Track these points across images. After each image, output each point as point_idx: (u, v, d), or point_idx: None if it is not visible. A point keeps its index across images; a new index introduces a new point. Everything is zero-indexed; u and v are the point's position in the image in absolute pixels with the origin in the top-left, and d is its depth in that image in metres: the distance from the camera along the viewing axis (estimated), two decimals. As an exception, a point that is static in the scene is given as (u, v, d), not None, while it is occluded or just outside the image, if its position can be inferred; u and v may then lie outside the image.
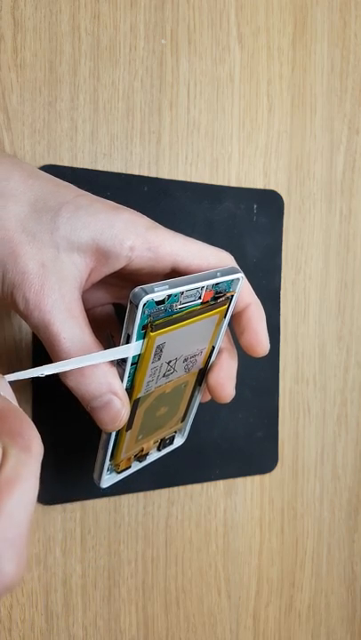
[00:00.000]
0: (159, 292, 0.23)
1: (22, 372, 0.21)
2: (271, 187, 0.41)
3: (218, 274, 0.25)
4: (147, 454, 0.31)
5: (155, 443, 0.31)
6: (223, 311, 0.27)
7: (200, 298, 0.25)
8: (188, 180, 0.38)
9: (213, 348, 0.29)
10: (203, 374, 0.30)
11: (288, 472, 0.43)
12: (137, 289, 0.23)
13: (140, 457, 0.31)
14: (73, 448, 0.35)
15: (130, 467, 0.31)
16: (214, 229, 0.38)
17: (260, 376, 0.41)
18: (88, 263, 0.24)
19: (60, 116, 0.34)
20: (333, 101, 0.43)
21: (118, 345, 0.24)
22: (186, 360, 0.27)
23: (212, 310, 0.26)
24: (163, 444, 0.32)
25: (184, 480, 0.38)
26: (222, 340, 0.29)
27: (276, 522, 0.43)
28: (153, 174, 0.37)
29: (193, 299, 0.25)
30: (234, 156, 0.39)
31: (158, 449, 0.32)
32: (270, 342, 0.41)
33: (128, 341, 0.24)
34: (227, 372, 0.29)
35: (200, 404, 0.32)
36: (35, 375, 0.21)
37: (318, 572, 0.45)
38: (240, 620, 0.42)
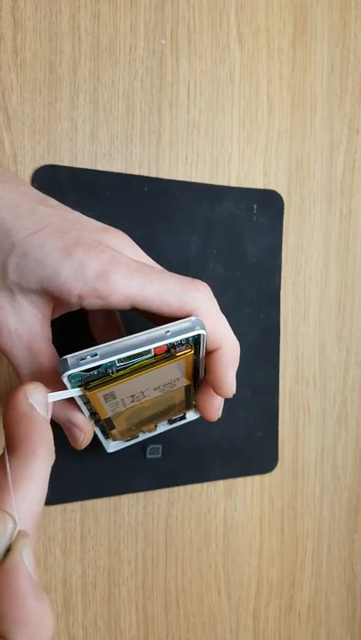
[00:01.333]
0: (84, 366, 0.21)
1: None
2: (271, 187, 0.41)
3: (167, 333, 0.23)
4: (156, 427, 0.32)
5: (162, 422, 0.31)
6: (190, 355, 0.24)
7: (150, 353, 0.23)
8: (188, 180, 0.38)
9: (197, 369, 0.27)
10: (196, 384, 0.28)
11: (288, 472, 0.43)
12: (61, 359, 0.22)
13: (150, 430, 0.31)
14: (73, 448, 0.35)
15: (137, 436, 0.31)
16: (214, 229, 0.38)
17: (260, 376, 0.41)
18: (47, 301, 0.24)
19: (60, 116, 0.34)
20: (333, 101, 0.43)
21: None
22: (158, 387, 0.26)
23: (170, 360, 0.23)
24: (173, 420, 0.32)
25: (184, 480, 0.38)
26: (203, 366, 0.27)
27: (276, 522, 0.43)
28: (153, 174, 0.37)
29: (138, 356, 0.23)
30: (234, 156, 0.39)
31: (170, 423, 0.32)
32: (270, 342, 0.41)
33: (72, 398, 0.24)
34: (210, 402, 0.28)
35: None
36: None
37: (318, 572, 0.45)
38: (240, 619, 0.42)
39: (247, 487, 0.41)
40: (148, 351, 0.23)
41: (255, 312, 0.40)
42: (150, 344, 0.22)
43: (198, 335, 0.23)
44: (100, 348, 0.22)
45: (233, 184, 0.39)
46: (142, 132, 0.36)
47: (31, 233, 0.23)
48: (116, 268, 0.23)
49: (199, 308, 0.24)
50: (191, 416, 0.32)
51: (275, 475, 0.42)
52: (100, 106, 0.35)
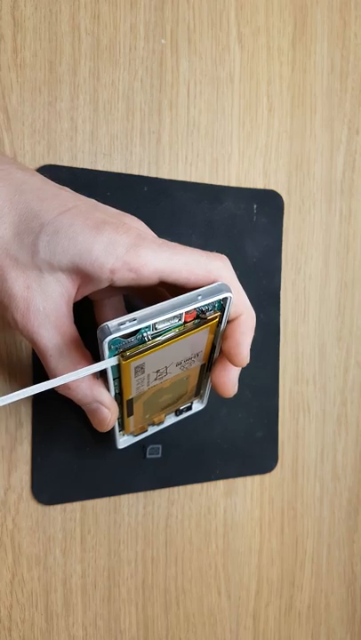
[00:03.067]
0: (124, 330, 0.22)
1: (10, 395, 0.22)
2: (271, 187, 0.41)
3: (199, 297, 0.24)
4: (163, 421, 0.32)
5: (170, 413, 0.32)
6: (214, 323, 0.26)
7: (180, 320, 0.24)
8: (188, 180, 0.38)
9: (214, 346, 0.28)
10: (209, 365, 0.29)
11: (288, 472, 0.43)
12: (102, 325, 0.22)
13: (158, 423, 0.32)
14: (73, 448, 0.35)
15: (146, 430, 0.32)
16: (214, 229, 0.38)
17: (260, 376, 0.41)
18: (74, 280, 0.24)
19: (59, 116, 0.34)
20: (333, 101, 0.43)
21: None
22: (180, 364, 0.27)
23: (197, 328, 0.25)
24: (180, 411, 0.32)
25: (184, 480, 0.38)
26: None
27: (276, 522, 0.43)
28: (153, 174, 0.37)
29: (170, 324, 0.24)
30: (234, 156, 0.39)
31: (176, 414, 0.32)
32: (270, 342, 0.41)
33: (105, 370, 0.24)
34: (226, 376, 0.29)
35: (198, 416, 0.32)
36: (21, 397, 0.22)
37: (318, 571, 0.45)
38: (240, 620, 0.42)
39: (247, 487, 0.41)
40: (180, 317, 0.24)
41: (255, 312, 0.40)
42: (184, 307, 0.23)
43: (225, 299, 0.24)
44: (138, 313, 0.23)
45: (233, 184, 0.39)
46: (142, 131, 0.36)
47: (59, 213, 0.24)
48: (144, 242, 0.24)
49: (223, 275, 0.25)
50: (197, 407, 0.33)
51: (275, 475, 0.42)
52: (100, 106, 0.35)
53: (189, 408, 0.33)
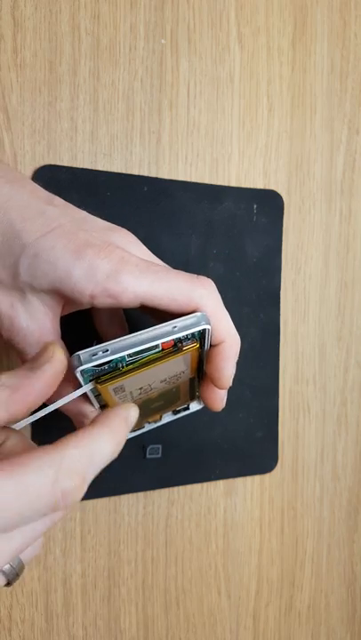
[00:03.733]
0: (96, 361, 0.22)
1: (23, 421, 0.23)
2: (271, 187, 0.41)
3: (175, 328, 0.24)
4: (160, 418, 0.32)
5: (167, 412, 0.32)
6: (195, 348, 0.25)
7: (157, 347, 0.24)
8: (188, 179, 0.38)
9: (202, 361, 0.28)
10: (199, 376, 0.29)
11: (288, 472, 0.43)
12: (74, 355, 0.23)
13: (155, 421, 0.32)
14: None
15: (143, 427, 0.32)
16: (214, 229, 0.38)
17: (260, 376, 0.41)
18: (58, 300, 0.24)
19: (59, 116, 0.34)
20: (333, 101, 0.43)
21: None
22: (164, 380, 0.26)
23: (177, 354, 0.24)
24: (177, 412, 0.32)
25: (184, 480, 0.38)
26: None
27: (276, 522, 0.43)
28: (153, 174, 0.37)
29: (147, 351, 0.24)
30: (234, 156, 0.39)
31: (174, 413, 0.32)
32: (270, 342, 0.41)
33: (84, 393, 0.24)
34: (214, 394, 0.29)
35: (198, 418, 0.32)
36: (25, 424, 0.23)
37: (318, 571, 0.45)
38: (240, 620, 0.42)
39: (247, 487, 0.41)
40: (157, 346, 0.23)
41: (255, 312, 0.40)
42: (159, 339, 0.23)
43: (204, 330, 0.24)
44: (111, 344, 0.23)
45: (233, 184, 0.39)
46: (142, 131, 0.36)
47: (41, 235, 0.23)
48: (126, 267, 0.23)
49: (205, 304, 0.25)
50: (195, 407, 0.33)
51: (275, 475, 0.42)
52: (100, 106, 0.35)
53: (187, 408, 0.33)
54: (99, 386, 0.23)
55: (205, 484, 0.40)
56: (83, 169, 0.34)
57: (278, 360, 0.42)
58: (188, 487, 0.39)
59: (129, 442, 0.36)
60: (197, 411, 0.33)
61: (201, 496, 0.40)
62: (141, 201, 0.36)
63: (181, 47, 0.37)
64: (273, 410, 0.41)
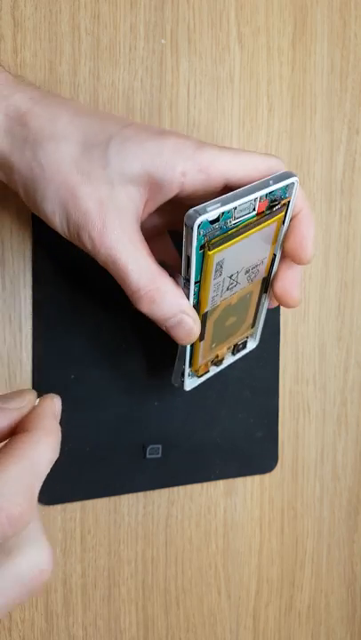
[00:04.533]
0: (212, 212, 0.23)
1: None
2: (271, 187, 0.41)
3: (270, 182, 0.25)
4: (222, 359, 0.33)
5: (228, 349, 0.33)
6: (280, 218, 0.27)
7: (255, 209, 0.25)
8: (188, 180, 0.38)
9: (275, 255, 0.29)
10: (267, 282, 0.31)
11: (288, 472, 0.43)
12: (190, 211, 0.23)
13: (217, 362, 0.33)
14: (73, 448, 0.35)
15: (208, 371, 0.33)
16: (214, 229, 0.38)
17: (260, 376, 0.41)
18: (143, 194, 0.25)
19: (59, 116, 0.34)
20: (333, 101, 0.43)
21: (175, 272, 0.26)
22: (248, 271, 0.28)
23: (268, 220, 0.26)
24: (236, 348, 0.33)
25: (184, 480, 0.38)
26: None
27: (276, 522, 0.43)
28: (153, 174, 0.37)
29: (247, 211, 0.25)
30: (234, 156, 0.39)
31: (233, 353, 0.34)
32: (270, 342, 0.41)
33: (188, 263, 0.25)
34: (292, 278, 0.30)
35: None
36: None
37: (318, 571, 0.45)
38: (240, 620, 0.42)
39: (247, 487, 0.41)
40: (254, 207, 0.25)
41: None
42: (259, 190, 0.24)
43: (292, 185, 0.26)
44: (220, 198, 0.24)
45: (233, 184, 0.39)
46: (142, 131, 0.36)
47: (123, 127, 0.24)
48: (207, 145, 0.25)
49: (282, 169, 0.26)
50: (251, 345, 0.34)
51: (275, 475, 0.42)
52: (100, 106, 0.35)
53: (244, 346, 0.34)
54: (209, 252, 0.24)
55: (205, 484, 0.40)
56: (83, 169, 0.34)
57: (278, 360, 0.42)
58: (188, 487, 0.39)
59: (129, 442, 0.36)
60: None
61: (201, 496, 0.40)
62: (141, 201, 0.36)
63: (181, 47, 0.37)
64: (273, 410, 0.41)
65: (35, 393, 0.22)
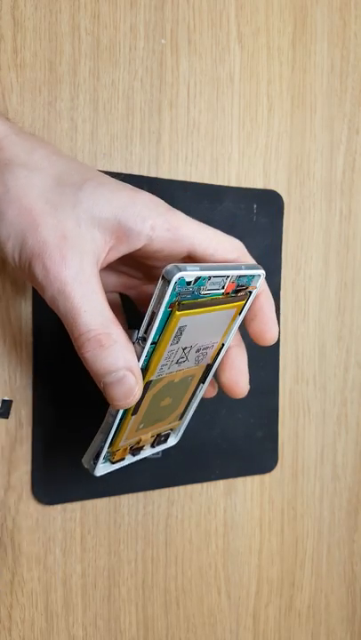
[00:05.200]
0: (191, 272, 0.23)
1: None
2: (271, 187, 0.41)
3: (243, 267, 0.26)
4: (141, 448, 0.31)
5: (151, 437, 0.31)
6: (240, 306, 0.28)
7: (223, 288, 0.26)
8: (188, 179, 0.38)
9: (223, 345, 0.29)
10: (208, 371, 0.30)
11: (288, 472, 0.43)
12: (170, 265, 0.23)
13: (135, 450, 0.31)
14: (73, 448, 0.35)
15: (124, 459, 0.31)
16: (214, 229, 0.38)
17: (260, 376, 0.41)
18: (107, 241, 0.24)
19: (59, 116, 0.34)
20: (333, 101, 0.43)
21: (129, 329, 0.25)
22: (198, 350, 0.28)
23: (231, 302, 0.27)
24: (158, 440, 0.32)
25: (184, 480, 0.38)
26: (233, 337, 0.29)
27: (276, 522, 0.43)
28: (153, 174, 0.37)
29: (217, 287, 0.25)
30: (234, 156, 0.39)
31: (152, 445, 0.32)
32: (270, 342, 0.41)
33: (151, 320, 0.24)
34: (239, 368, 0.29)
35: (203, 400, 0.32)
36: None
37: (318, 572, 0.45)
38: (240, 620, 0.42)
39: (247, 487, 0.41)
40: (223, 285, 0.26)
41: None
42: (233, 270, 0.25)
43: (259, 276, 0.27)
44: (199, 264, 0.24)
45: (233, 184, 0.39)
46: (142, 132, 0.36)
47: (100, 174, 0.25)
48: (178, 210, 0.25)
49: (246, 253, 0.27)
50: (171, 441, 0.33)
51: (275, 475, 0.42)
52: (100, 106, 0.35)
53: (166, 439, 0.33)
54: (177, 312, 0.24)
55: (205, 484, 0.40)
56: (83, 169, 0.34)
57: (278, 360, 0.42)
58: (188, 487, 0.39)
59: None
60: (190, 421, 0.33)
61: (201, 496, 0.40)
62: (141, 201, 0.36)
63: (181, 47, 0.37)
64: (273, 410, 0.41)
65: None
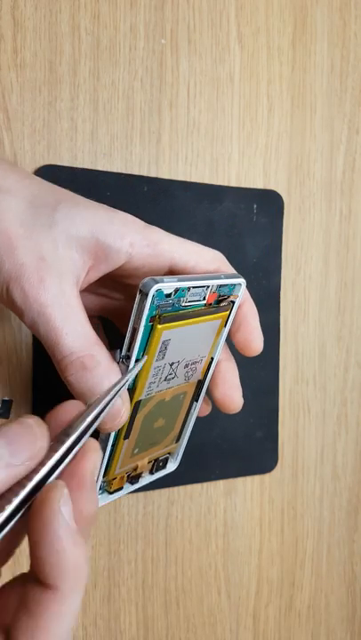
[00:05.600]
0: (169, 283, 0.23)
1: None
2: (271, 187, 0.41)
3: (222, 276, 0.26)
4: (139, 475, 0.30)
5: (149, 462, 0.30)
6: (225, 317, 0.27)
7: (205, 299, 0.26)
8: (188, 179, 0.38)
9: (212, 359, 0.29)
10: (200, 387, 0.30)
11: (288, 472, 0.43)
12: (146, 279, 0.23)
13: (133, 478, 0.30)
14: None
15: (122, 488, 0.30)
16: (214, 229, 0.38)
17: (260, 376, 0.41)
18: (86, 261, 0.23)
19: (59, 116, 0.34)
20: (333, 101, 0.43)
21: (112, 349, 0.25)
22: (187, 366, 0.27)
23: (215, 314, 0.26)
24: (156, 466, 0.31)
25: (184, 480, 0.38)
26: (221, 351, 0.29)
27: (276, 522, 0.43)
28: (153, 174, 0.37)
29: (198, 298, 0.25)
30: (234, 156, 0.39)
31: (151, 472, 0.31)
32: (270, 342, 0.41)
33: (133, 337, 0.23)
34: (231, 382, 0.29)
35: (197, 417, 0.31)
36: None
37: (318, 571, 0.45)
38: (240, 620, 0.42)
39: (247, 487, 0.41)
40: (204, 296, 0.26)
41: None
42: (213, 280, 0.25)
43: (240, 285, 0.27)
44: (177, 276, 0.24)
45: (233, 184, 0.39)
46: (142, 131, 0.36)
47: (74, 196, 0.24)
48: (156, 227, 0.25)
49: (226, 264, 0.27)
50: (170, 466, 0.32)
51: (275, 475, 0.42)
52: (100, 106, 0.35)
53: (165, 464, 0.32)
54: (158, 326, 0.24)
55: (205, 484, 0.40)
56: (83, 169, 0.34)
57: (278, 360, 0.42)
58: (188, 487, 0.39)
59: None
60: (190, 429, 0.32)
61: (201, 496, 0.40)
62: (141, 201, 0.36)
63: (181, 47, 0.37)
64: (273, 410, 0.41)
65: (45, 434, 0.18)
